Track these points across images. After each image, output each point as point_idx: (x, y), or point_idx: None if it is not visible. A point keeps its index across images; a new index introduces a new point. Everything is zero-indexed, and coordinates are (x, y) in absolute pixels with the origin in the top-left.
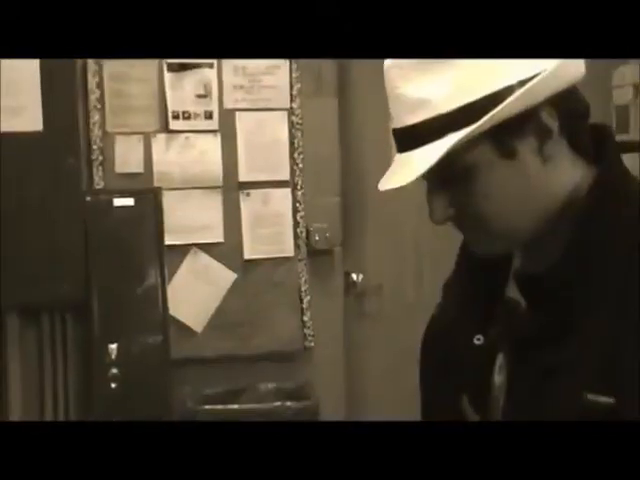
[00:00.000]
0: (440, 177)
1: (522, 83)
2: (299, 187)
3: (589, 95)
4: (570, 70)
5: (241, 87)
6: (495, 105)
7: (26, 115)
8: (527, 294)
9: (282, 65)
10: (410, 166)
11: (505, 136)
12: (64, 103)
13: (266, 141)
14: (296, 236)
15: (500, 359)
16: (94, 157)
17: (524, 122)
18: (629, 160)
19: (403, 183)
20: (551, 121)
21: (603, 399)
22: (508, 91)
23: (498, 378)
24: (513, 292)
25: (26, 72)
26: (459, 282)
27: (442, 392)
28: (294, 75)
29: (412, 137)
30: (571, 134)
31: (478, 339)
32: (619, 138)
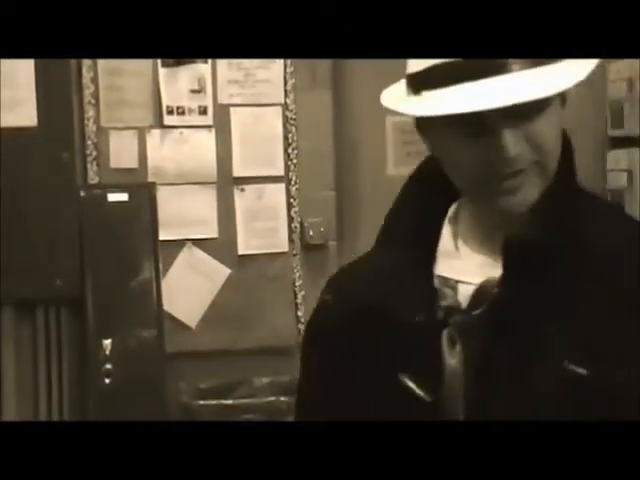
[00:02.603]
0: (517, 111)
1: None
2: (293, 182)
3: (583, 89)
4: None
5: (235, 82)
6: None
7: (21, 110)
8: (512, 264)
9: (276, 59)
10: (497, 87)
11: None
12: (59, 98)
13: (260, 136)
14: (290, 231)
15: (449, 336)
16: (88, 152)
17: None
18: (623, 155)
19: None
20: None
21: (579, 370)
22: None
23: (451, 358)
24: (445, 270)
25: (21, 67)
26: (382, 259)
27: (375, 369)
28: (288, 70)
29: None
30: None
31: (418, 317)
32: (614, 133)
